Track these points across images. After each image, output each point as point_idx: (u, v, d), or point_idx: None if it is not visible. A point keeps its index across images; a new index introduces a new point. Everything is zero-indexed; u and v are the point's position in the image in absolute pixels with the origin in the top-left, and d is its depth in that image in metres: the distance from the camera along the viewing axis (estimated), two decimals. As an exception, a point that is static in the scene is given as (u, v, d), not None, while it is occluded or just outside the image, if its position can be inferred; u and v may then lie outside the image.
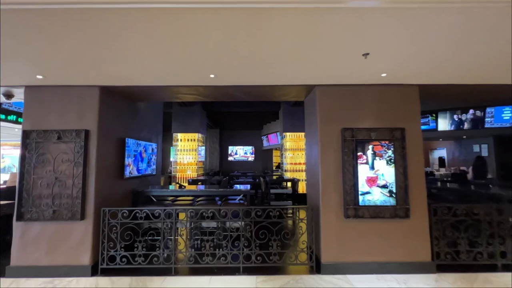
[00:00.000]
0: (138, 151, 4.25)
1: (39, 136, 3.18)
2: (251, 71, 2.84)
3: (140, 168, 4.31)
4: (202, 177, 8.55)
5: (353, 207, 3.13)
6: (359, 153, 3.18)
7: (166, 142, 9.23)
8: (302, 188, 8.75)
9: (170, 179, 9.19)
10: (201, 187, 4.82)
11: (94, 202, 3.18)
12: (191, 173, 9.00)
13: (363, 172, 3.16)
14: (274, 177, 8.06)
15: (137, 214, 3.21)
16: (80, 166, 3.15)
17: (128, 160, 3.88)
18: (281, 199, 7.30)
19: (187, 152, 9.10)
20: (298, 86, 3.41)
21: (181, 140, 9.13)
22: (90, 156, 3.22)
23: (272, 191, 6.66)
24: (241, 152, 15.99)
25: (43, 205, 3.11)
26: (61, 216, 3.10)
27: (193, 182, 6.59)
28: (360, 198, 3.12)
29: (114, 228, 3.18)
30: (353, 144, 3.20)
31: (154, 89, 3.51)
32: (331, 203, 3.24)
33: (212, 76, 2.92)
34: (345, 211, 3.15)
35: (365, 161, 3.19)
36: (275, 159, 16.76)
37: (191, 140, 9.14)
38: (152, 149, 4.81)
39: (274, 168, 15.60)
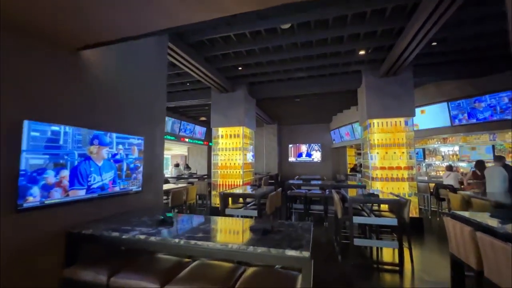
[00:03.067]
0: (85, 150, 2.15)
1: None
2: None
3: (93, 183, 2.21)
4: (248, 187, 6.20)
5: None
6: None
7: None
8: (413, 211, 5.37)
9: (210, 187, 7.25)
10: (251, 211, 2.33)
11: None
12: (235, 180, 6.82)
13: None
14: (353, 192, 4.98)
15: None
16: None
17: (38, 167, 1.78)
18: (374, 234, 4.20)
19: (230, 152, 6.95)
20: None
21: (222, 136, 7.07)
22: None
23: (356, 219, 3.69)
24: (304, 151, 13.08)
25: None
26: None
27: (224, 196, 4.29)
28: None
29: None
30: None
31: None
32: None
33: None
34: None
35: None
36: (349, 160, 13.09)
37: (234, 135, 6.95)
38: (134, 147, 2.69)
39: (348, 172, 12.03)
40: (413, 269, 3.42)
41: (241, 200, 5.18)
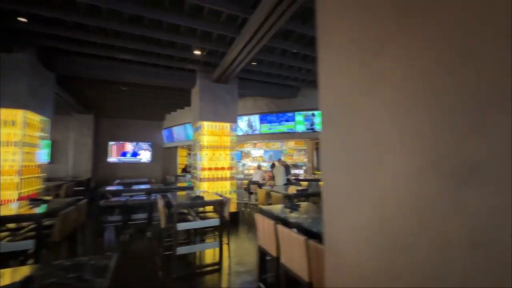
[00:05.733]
0: None
1: None
2: None
3: None
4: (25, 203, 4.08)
5: None
6: None
7: None
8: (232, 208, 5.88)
9: None
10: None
11: None
12: (6, 192, 4.32)
13: None
14: (181, 194, 4.76)
15: None
16: None
17: None
18: (199, 236, 4.13)
19: (4, 148, 4.34)
20: None
21: (-24, 121, 4.26)
22: None
23: (180, 226, 3.41)
24: (130, 150, 11.31)
25: None
26: None
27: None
28: None
29: None
30: None
31: None
32: None
33: None
34: None
35: None
36: (181, 160, 13.00)
37: (8, 123, 4.44)
38: None
39: (179, 172, 11.85)
40: (230, 264, 3.66)
41: (11, 225, 3.26)
